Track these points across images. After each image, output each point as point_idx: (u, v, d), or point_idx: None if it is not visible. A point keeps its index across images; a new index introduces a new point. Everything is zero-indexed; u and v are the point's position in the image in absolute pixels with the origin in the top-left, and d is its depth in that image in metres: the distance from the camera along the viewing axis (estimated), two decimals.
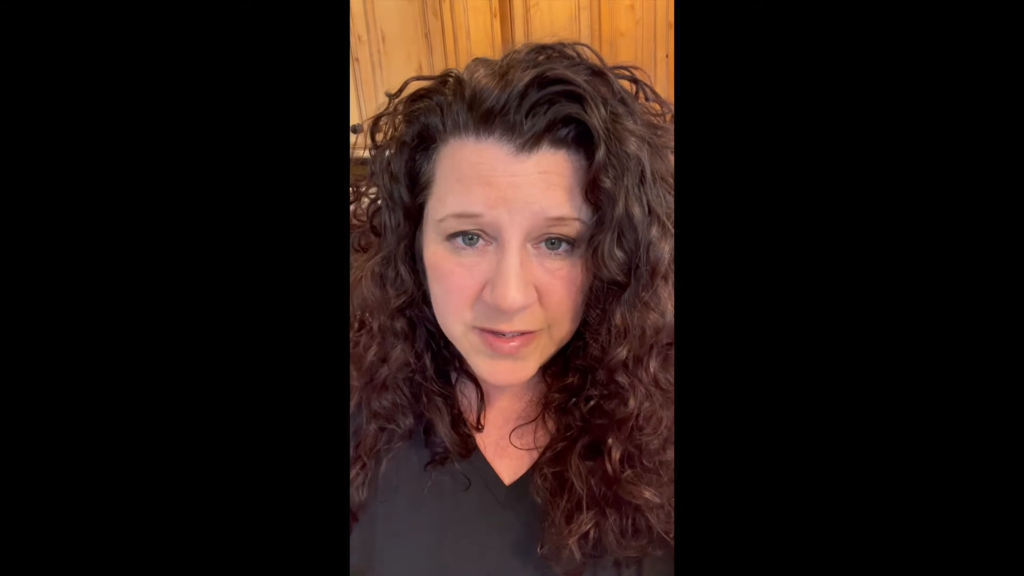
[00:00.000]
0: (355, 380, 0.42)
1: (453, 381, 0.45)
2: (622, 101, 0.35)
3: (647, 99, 0.37)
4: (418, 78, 0.39)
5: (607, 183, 0.33)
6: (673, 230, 0.35)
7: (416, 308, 0.41)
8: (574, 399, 0.40)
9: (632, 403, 0.36)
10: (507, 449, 0.43)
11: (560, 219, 0.34)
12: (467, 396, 0.45)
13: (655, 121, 0.37)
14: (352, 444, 0.43)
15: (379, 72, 1.49)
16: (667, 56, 1.49)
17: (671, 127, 0.37)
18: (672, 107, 0.37)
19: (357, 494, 0.42)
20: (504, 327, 0.35)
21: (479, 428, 0.44)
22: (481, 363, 0.38)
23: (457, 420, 0.43)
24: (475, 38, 1.51)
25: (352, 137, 0.38)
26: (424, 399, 0.43)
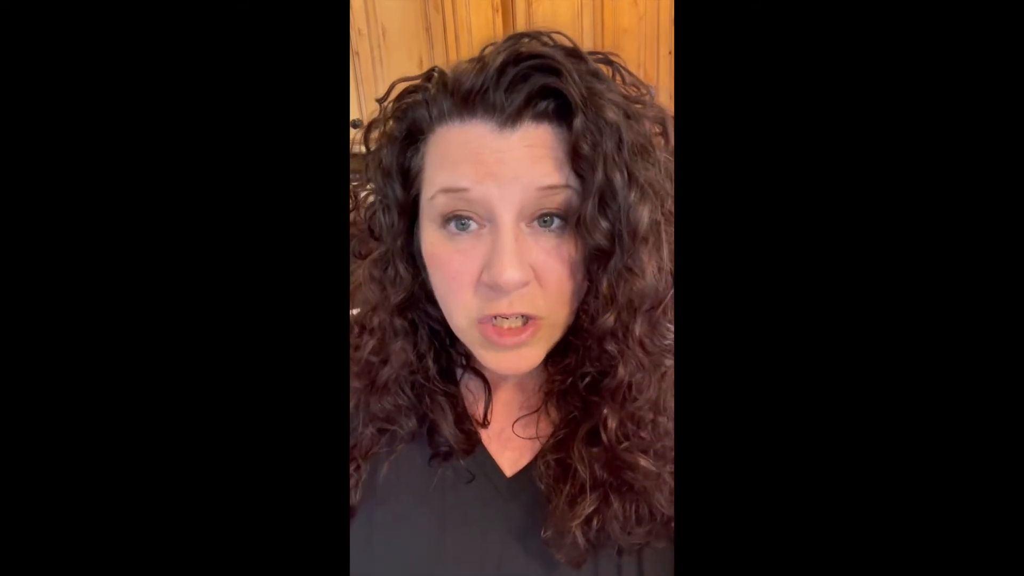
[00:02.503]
0: (354, 382, 0.42)
1: (459, 378, 0.45)
2: (596, 75, 0.35)
3: (624, 82, 0.38)
4: (403, 80, 0.40)
5: (586, 149, 0.33)
6: (653, 196, 0.35)
7: (417, 307, 0.42)
8: (572, 379, 0.40)
9: (622, 371, 0.37)
10: (510, 441, 0.43)
11: (551, 188, 0.34)
12: (472, 391, 0.45)
13: (631, 94, 0.37)
14: None
15: (379, 67, 1.48)
16: (670, 52, 1.48)
17: (648, 101, 0.38)
18: (651, 88, 0.38)
19: (351, 496, 0.42)
20: (505, 308, 0.36)
21: (485, 424, 0.44)
22: (487, 356, 0.38)
23: (461, 418, 0.43)
24: (477, 33, 1.50)
25: (352, 132, 0.38)
26: (427, 399, 0.43)
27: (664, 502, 0.38)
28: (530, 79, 0.34)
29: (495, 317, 0.36)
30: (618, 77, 0.38)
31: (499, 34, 1.60)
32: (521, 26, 1.51)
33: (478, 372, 0.44)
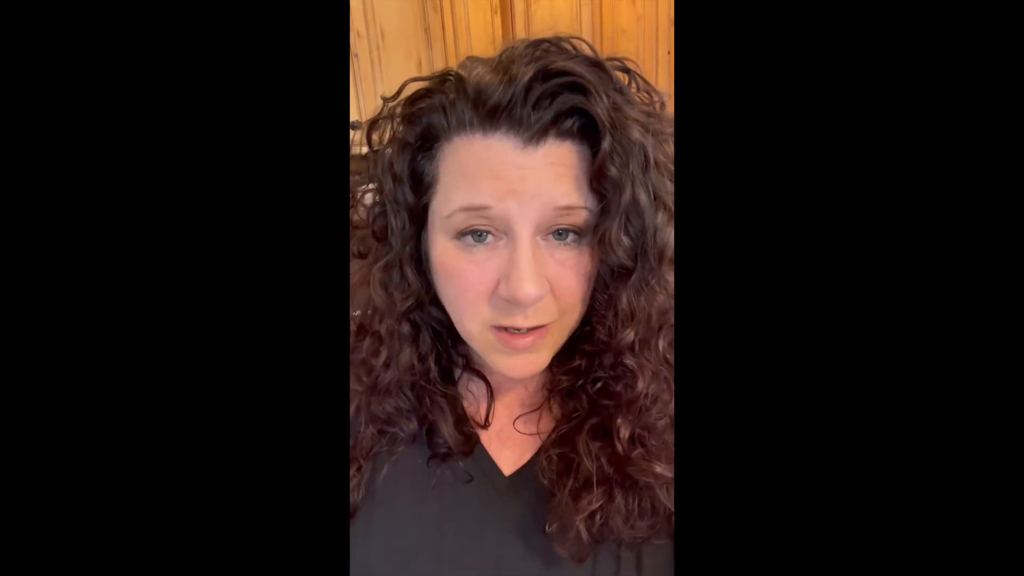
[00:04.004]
0: (355, 384, 0.42)
1: (457, 379, 0.45)
2: (620, 91, 0.35)
3: (638, 89, 0.38)
4: (415, 79, 0.39)
5: (613, 171, 0.33)
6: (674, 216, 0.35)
7: (421, 311, 0.41)
8: (580, 382, 0.40)
9: (641, 384, 0.37)
10: (510, 439, 0.43)
11: (568, 208, 0.34)
12: (473, 392, 0.45)
13: (650, 110, 0.37)
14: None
15: (378, 68, 1.48)
16: (669, 52, 1.48)
17: (664, 115, 0.38)
18: (663, 96, 0.38)
19: (352, 496, 0.42)
20: (520, 321, 0.36)
21: (486, 426, 0.44)
22: (498, 360, 0.38)
23: (461, 420, 0.43)
24: (475, 34, 1.50)
25: (351, 134, 0.38)
26: (427, 401, 0.43)
27: (667, 497, 0.38)
28: (558, 97, 0.33)
29: (509, 329, 0.36)
30: (633, 84, 0.37)
31: (498, 35, 1.60)
32: (520, 27, 1.51)
33: (478, 373, 0.44)
